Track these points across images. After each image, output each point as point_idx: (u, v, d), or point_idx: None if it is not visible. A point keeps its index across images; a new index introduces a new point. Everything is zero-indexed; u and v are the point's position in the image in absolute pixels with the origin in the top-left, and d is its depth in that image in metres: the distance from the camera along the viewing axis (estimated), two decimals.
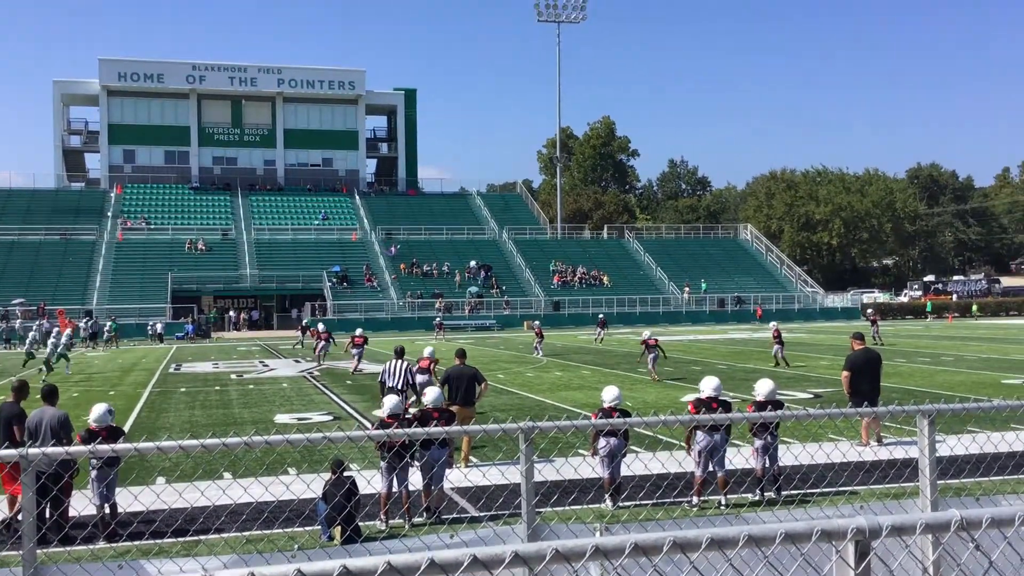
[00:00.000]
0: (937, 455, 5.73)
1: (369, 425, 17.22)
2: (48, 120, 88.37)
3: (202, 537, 9.42)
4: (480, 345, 43.70)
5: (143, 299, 62.56)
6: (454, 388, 13.67)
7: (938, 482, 6.29)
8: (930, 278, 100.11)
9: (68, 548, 8.96)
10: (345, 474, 9.91)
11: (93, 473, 9.91)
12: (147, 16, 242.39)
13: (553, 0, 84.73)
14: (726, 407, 11.13)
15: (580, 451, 13.22)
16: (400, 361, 15.66)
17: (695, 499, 10.81)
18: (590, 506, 10.68)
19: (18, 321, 53.47)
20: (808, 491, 11.01)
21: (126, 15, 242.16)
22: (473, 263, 72.44)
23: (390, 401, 11.01)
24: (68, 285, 63.93)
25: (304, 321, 46.43)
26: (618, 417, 10.82)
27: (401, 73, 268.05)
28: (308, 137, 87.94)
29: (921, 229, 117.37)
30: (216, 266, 69.11)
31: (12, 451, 4.55)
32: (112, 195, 79.03)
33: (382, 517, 10.19)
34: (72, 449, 4.72)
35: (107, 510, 9.93)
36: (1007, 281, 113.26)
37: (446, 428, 5.55)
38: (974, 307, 72.31)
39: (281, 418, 19.41)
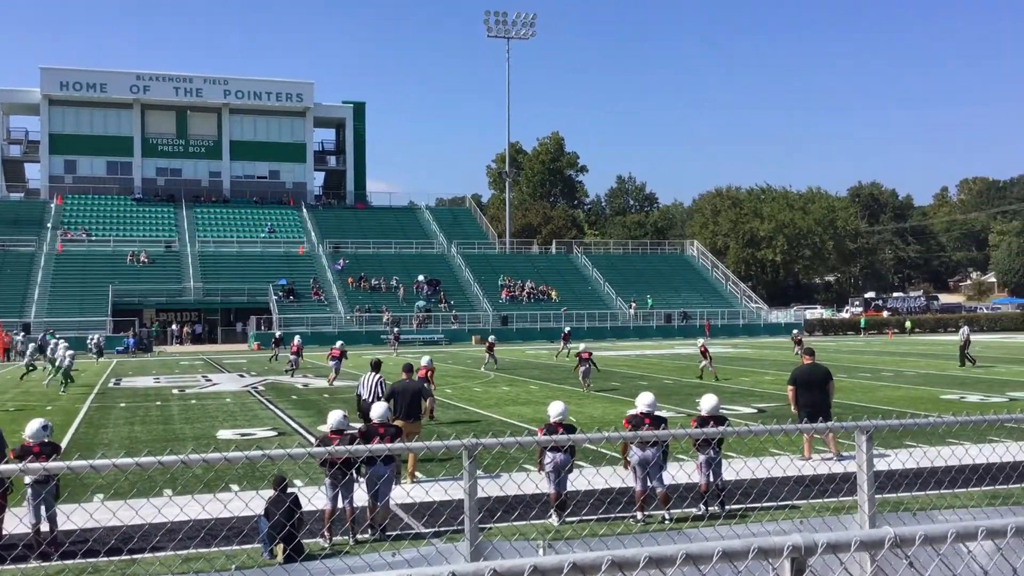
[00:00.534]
0: (876, 470, 5.81)
1: (313, 441, 17.04)
2: None
3: (137, 556, 9.22)
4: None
5: (83, 312, 61.30)
6: (399, 403, 13.58)
7: (877, 496, 6.37)
8: (871, 295, 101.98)
9: None
10: (288, 491, 9.78)
11: (28, 491, 9.66)
12: (90, 26, 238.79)
13: (502, 16, 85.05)
14: (659, 422, 11.21)
15: (526, 466, 13.20)
16: (375, 374, 15.60)
17: (639, 514, 10.84)
18: (535, 522, 10.65)
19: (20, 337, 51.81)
20: (750, 506, 11.10)
21: (69, 24, 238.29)
22: (421, 277, 72.21)
23: (333, 417, 10.89)
24: (5, 297, 62.41)
25: (278, 334, 45.58)
26: (563, 432, 10.83)
27: (350, 86, 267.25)
28: (255, 149, 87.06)
29: (862, 247, 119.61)
30: (159, 279, 68.00)
31: None
32: (52, 206, 77.47)
33: (325, 534, 10.07)
34: (1, 468, 4.58)
35: (46, 527, 9.68)
36: (945, 298, 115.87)
37: (388, 445, 5.50)
38: (907, 323, 73.69)
39: (224, 434, 19.11)
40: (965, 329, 36.23)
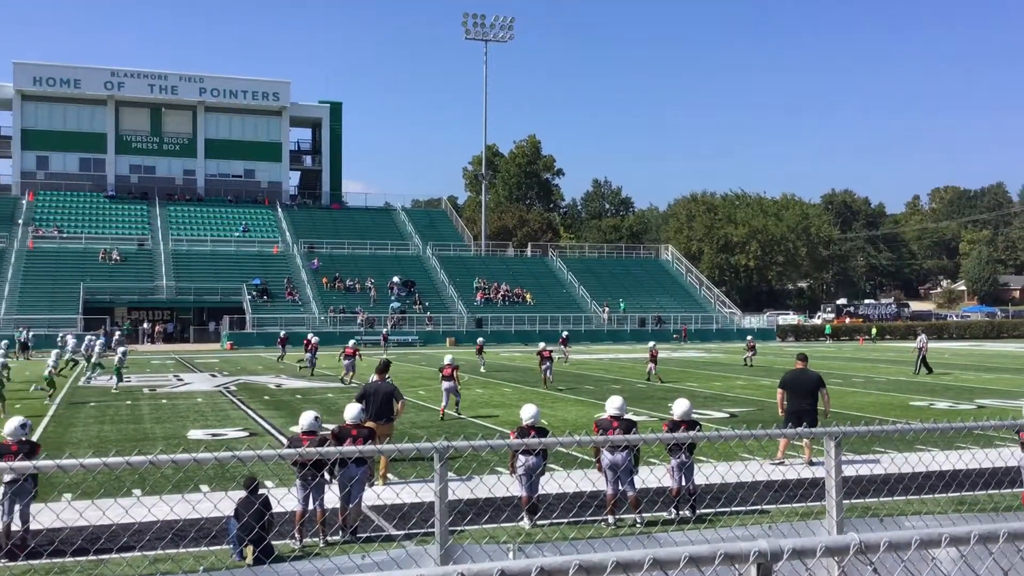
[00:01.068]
0: (845, 475, 5.89)
1: (285, 442, 16.96)
2: None
3: (105, 556, 9.14)
4: (402, 361, 43.44)
5: (54, 310, 60.67)
6: (371, 404, 13.54)
7: (846, 502, 6.44)
8: (842, 301, 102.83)
9: None
10: (258, 492, 9.73)
11: (1, 489, 9.57)
12: (65, 21, 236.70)
13: (481, 19, 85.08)
14: (627, 426, 11.25)
15: (498, 469, 13.20)
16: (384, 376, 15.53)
17: (610, 518, 10.87)
18: (507, 525, 10.66)
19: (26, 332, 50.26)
20: (720, 510, 11.16)
21: (43, 19, 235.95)
22: (396, 278, 72.05)
23: (305, 418, 10.85)
24: None
25: (282, 333, 44.85)
26: (536, 435, 10.85)
27: (327, 86, 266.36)
28: (230, 147, 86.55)
29: (835, 253, 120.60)
30: (131, 277, 67.40)
31: None
32: (24, 202, 76.63)
33: (296, 535, 10.03)
34: None
35: (17, 526, 9.58)
36: (916, 306, 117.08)
37: (360, 447, 5.49)
38: (873, 330, 74.28)
39: (195, 434, 18.98)
40: (923, 337, 36.65)
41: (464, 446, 5.34)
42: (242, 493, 9.74)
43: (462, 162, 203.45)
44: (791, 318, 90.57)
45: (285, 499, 10.38)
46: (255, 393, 28.01)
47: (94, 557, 9.07)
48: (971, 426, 6.10)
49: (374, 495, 11.71)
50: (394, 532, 10.44)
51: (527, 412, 11.23)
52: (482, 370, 36.65)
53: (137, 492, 12.15)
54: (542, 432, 11.22)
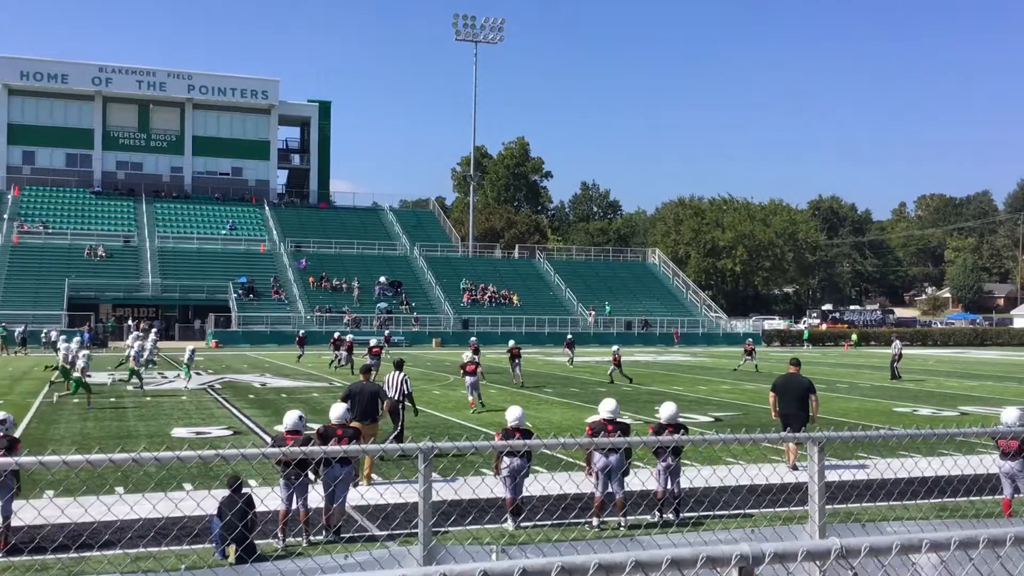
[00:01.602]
0: (829, 480, 5.88)
1: (269, 441, 16.92)
2: None
3: (86, 554, 9.09)
4: (388, 361, 43.31)
5: (38, 306, 60.31)
6: (356, 404, 13.53)
7: (829, 507, 6.45)
8: (828, 307, 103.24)
9: None
10: (241, 491, 9.69)
11: None
12: (53, 16, 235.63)
13: (471, 20, 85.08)
14: (622, 429, 11.26)
15: (483, 470, 13.20)
16: (399, 373, 15.92)
17: (595, 520, 10.88)
18: (491, 526, 10.65)
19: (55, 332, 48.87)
20: (704, 514, 11.18)
21: (31, 13, 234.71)
22: (383, 279, 71.96)
23: (290, 417, 10.83)
24: None
25: (301, 332, 44.98)
26: (521, 437, 10.86)
27: (316, 85, 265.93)
28: (218, 145, 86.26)
29: (821, 259, 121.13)
30: (116, 274, 67.10)
31: None
32: (9, 197, 76.17)
33: (279, 535, 10.00)
34: None
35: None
36: (901, 312, 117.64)
37: (344, 447, 5.48)
38: (854, 336, 74.52)
39: (179, 432, 18.90)
40: (897, 343, 36.93)
41: (449, 447, 5.34)
42: (225, 492, 9.71)
43: (450, 163, 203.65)
44: (777, 323, 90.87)
45: (268, 498, 10.35)
46: (240, 392, 27.92)
47: (75, 555, 9.02)
48: (953, 432, 6.13)
49: (358, 495, 11.69)
50: (377, 532, 10.42)
51: (512, 414, 11.24)
52: (514, 382, 31.32)
53: (120, 490, 12.09)
54: (527, 434, 11.23)
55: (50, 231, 72.32)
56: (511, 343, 32.11)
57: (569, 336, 45.80)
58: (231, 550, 9.18)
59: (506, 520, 10.79)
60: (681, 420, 12.16)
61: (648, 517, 11.20)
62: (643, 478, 10.93)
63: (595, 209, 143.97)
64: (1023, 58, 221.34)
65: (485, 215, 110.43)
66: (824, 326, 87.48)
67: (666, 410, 11.75)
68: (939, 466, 11.83)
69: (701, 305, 79.17)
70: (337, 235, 79.29)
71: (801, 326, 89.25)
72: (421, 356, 49.07)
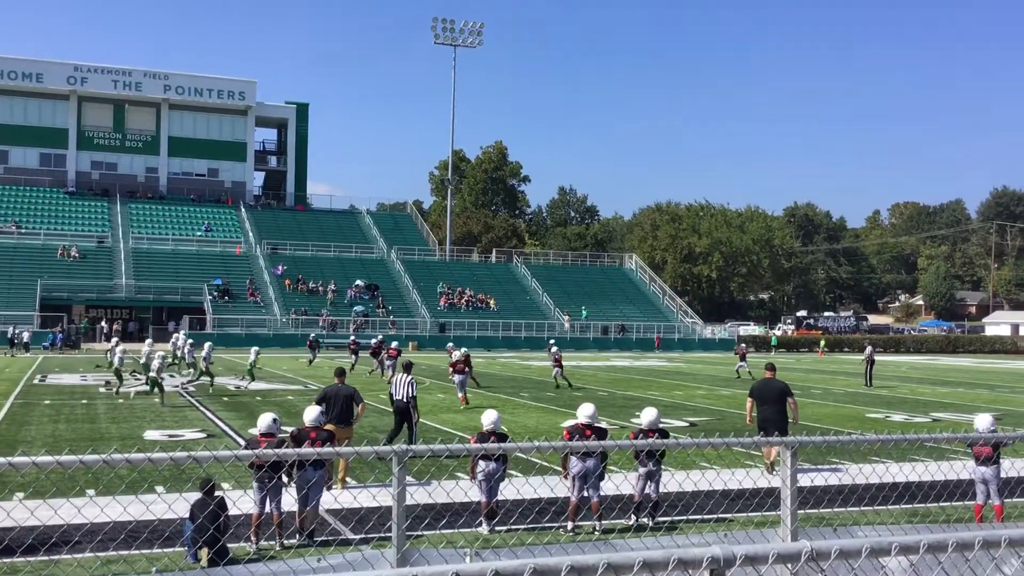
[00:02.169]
0: (802, 485, 5.93)
1: (242, 443, 16.82)
2: None
3: (56, 557, 9.00)
4: (365, 364, 43.17)
5: (9, 306, 59.66)
6: (331, 407, 13.47)
7: (801, 512, 6.51)
8: (802, 313, 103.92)
9: None
10: (214, 494, 9.63)
11: None
12: (27, 14, 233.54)
13: (450, 24, 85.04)
14: (600, 434, 11.28)
15: (458, 473, 13.18)
16: (406, 375, 16.43)
17: (570, 524, 10.89)
18: (465, 530, 10.64)
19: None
20: (679, 518, 11.21)
21: (4, 12, 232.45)
22: (359, 282, 71.73)
23: (264, 420, 10.77)
24: None
25: (312, 335, 43.95)
26: (496, 440, 10.86)
27: (294, 87, 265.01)
28: (194, 146, 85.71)
29: (796, 266, 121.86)
30: (90, 274, 66.49)
31: None
32: None
33: (252, 538, 9.95)
34: None
35: None
36: (874, 319, 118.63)
37: (318, 449, 5.46)
38: (822, 342, 75.03)
39: (151, 435, 18.76)
40: (869, 348, 37.28)
41: (423, 450, 5.33)
42: (198, 495, 9.64)
43: (428, 167, 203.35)
44: (752, 329, 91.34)
45: (241, 501, 10.28)
46: (213, 394, 27.73)
47: (45, 557, 8.92)
48: (923, 438, 6.19)
49: (332, 499, 11.64)
50: (351, 536, 10.38)
51: (488, 418, 11.24)
52: (558, 387, 31.81)
53: (91, 492, 11.98)
54: (503, 438, 11.23)
55: (23, 231, 71.60)
56: (462, 350, 28.03)
57: (554, 345, 43.87)
58: (203, 553, 9.12)
59: (481, 524, 10.78)
60: (662, 426, 12.19)
61: (623, 521, 11.22)
62: (617, 482, 10.95)
63: (572, 214, 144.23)
64: (996, 68, 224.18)
65: (463, 219, 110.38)
66: (795, 332, 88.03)
67: (647, 415, 11.76)
68: (910, 471, 11.93)
69: (677, 311, 79.46)
70: (314, 237, 78.98)
71: (779, 332, 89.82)
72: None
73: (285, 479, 10.48)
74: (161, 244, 73.42)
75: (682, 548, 2.86)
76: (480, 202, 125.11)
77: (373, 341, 38.74)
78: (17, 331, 52.27)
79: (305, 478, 10.15)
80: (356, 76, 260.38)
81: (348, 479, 13.38)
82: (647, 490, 11.14)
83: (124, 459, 4.52)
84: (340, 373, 14.64)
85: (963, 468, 11.21)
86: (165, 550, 9.53)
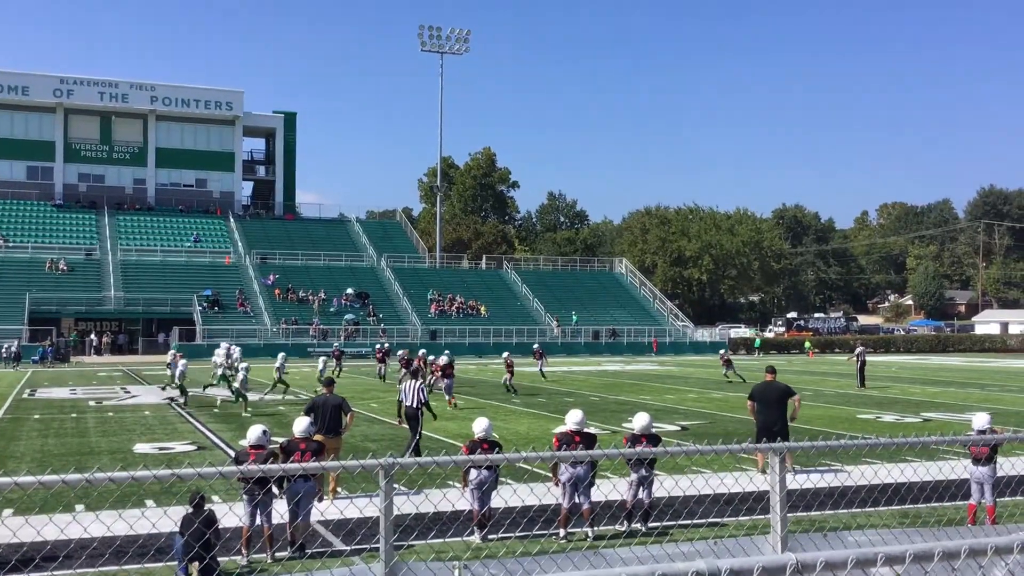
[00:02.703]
0: (792, 488, 5.95)
1: (232, 455, 16.74)
2: None
3: (39, 574, 8.93)
4: (355, 373, 43.11)
5: None
6: (319, 418, 13.42)
7: (793, 515, 6.50)
8: (793, 315, 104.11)
9: None
10: (204, 507, 9.58)
11: None
12: (12, 27, 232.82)
13: (437, 31, 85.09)
14: (589, 440, 11.26)
15: (449, 482, 13.14)
16: (415, 381, 16.89)
17: (562, 531, 10.86)
18: (456, 540, 10.59)
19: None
20: (671, 523, 11.19)
21: None
22: (350, 290, 71.60)
23: (253, 432, 10.72)
24: None
25: (403, 352, 38.77)
26: (488, 448, 10.84)
27: (281, 96, 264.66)
28: (181, 157, 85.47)
29: (786, 267, 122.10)
30: (78, 287, 66.21)
31: None
32: None
33: (243, 551, 9.89)
34: None
35: None
36: (864, 319, 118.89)
37: (303, 464, 5.42)
38: (807, 343, 75.07)
39: (141, 448, 18.67)
40: (860, 348, 37.31)
41: (410, 463, 5.30)
42: (188, 508, 9.58)
43: (417, 174, 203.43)
44: (743, 331, 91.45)
45: (231, 515, 10.22)
46: (203, 407, 27.62)
47: (38, 574, 8.85)
48: (911, 441, 6.18)
49: (326, 508, 11.59)
50: (342, 547, 10.33)
51: (479, 425, 11.21)
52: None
53: (80, 507, 11.91)
54: (494, 446, 11.20)
55: (10, 245, 71.29)
56: (442, 357, 29.26)
57: (536, 345, 44.54)
58: (193, 567, 9.06)
59: (472, 533, 10.74)
60: (654, 431, 12.18)
61: (616, 527, 11.20)
62: (606, 490, 10.93)
63: (562, 219, 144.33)
64: (983, 68, 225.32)
65: (452, 226, 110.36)
66: (786, 334, 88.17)
67: (639, 421, 11.75)
68: (900, 474, 11.93)
69: (668, 314, 79.51)
70: (303, 247, 78.83)
71: (769, 334, 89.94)
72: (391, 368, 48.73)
73: (276, 491, 10.44)
74: (150, 256, 73.17)
75: (665, 563, 2.84)
76: (469, 208, 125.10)
77: (415, 359, 32.99)
78: (7, 345, 52.04)
79: (295, 490, 10.10)
80: (343, 85, 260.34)
81: (339, 489, 13.33)
82: (640, 495, 11.13)
83: (107, 478, 4.48)
84: (328, 383, 14.59)
85: (952, 470, 11.23)
86: (156, 564, 9.46)
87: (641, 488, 11.10)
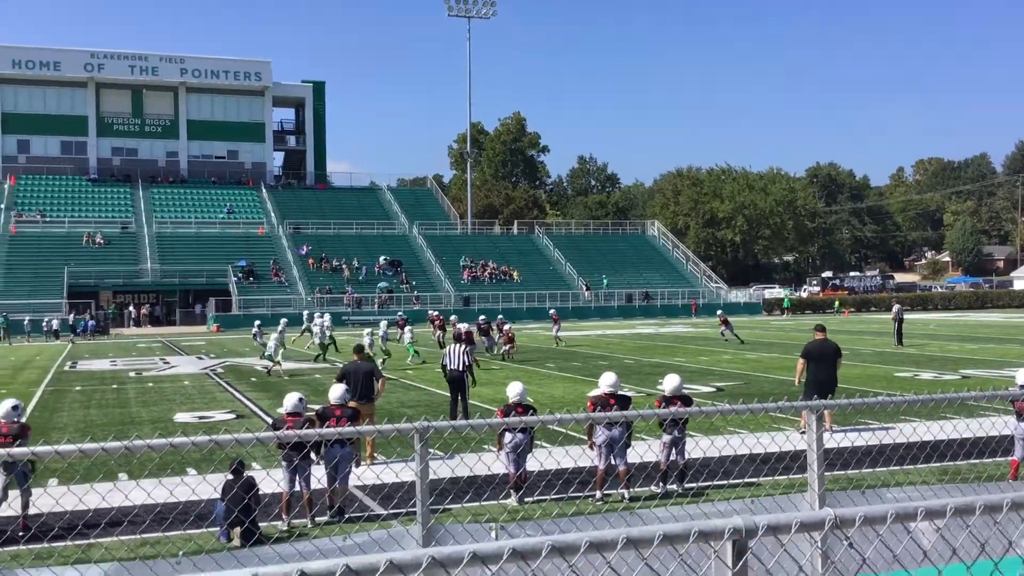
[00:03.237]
0: (829, 447, 5.89)
1: (270, 422, 16.93)
2: None
3: (82, 542, 9.09)
4: (390, 340, 43.27)
5: (38, 295, 60.31)
6: (352, 384, 13.50)
7: (830, 474, 6.46)
8: (828, 274, 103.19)
9: None
10: (244, 474, 9.72)
11: None
12: (43, 3, 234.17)
13: None
14: (623, 402, 11.25)
15: (484, 446, 13.21)
16: (459, 345, 17.05)
17: (598, 493, 10.89)
18: (492, 503, 10.65)
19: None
20: (706, 484, 11.18)
21: (20, 1, 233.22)
22: (383, 258, 71.87)
23: (290, 399, 10.82)
24: None
25: (435, 312, 41.02)
26: (522, 412, 10.86)
27: (310, 65, 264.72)
28: (212, 128, 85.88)
29: (820, 226, 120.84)
30: (115, 260, 67.05)
31: None
32: (5, 186, 75.93)
33: (283, 517, 10.02)
34: None
35: (9, 512, 9.66)
36: (901, 277, 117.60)
37: (339, 428, 5.46)
38: (837, 303, 74.26)
39: (182, 417, 18.93)
40: (897, 307, 36.94)
41: (445, 426, 5.33)
42: (229, 475, 9.72)
43: (447, 140, 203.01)
44: (777, 292, 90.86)
45: (269, 480, 10.36)
46: (242, 375, 27.94)
47: (76, 542, 9.02)
48: (950, 397, 6.11)
49: (364, 472, 11.70)
50: (380, 511, 10.43)
51: (513, 390, 11.22)
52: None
53: (123, 475, 12.13)
54: (529, 409, 11.22)
55: (47, 220, 72.20)
56: (481, 318, 32.32)
57: (552, 311, 43.44)
58: (235, 532, 9.21)
59: (508, 496, 10.80)
60: (685, 392, 12.14)
61: (652, 488, 11.21)
62: (641, 451, 10.93)
63: (593, 183, 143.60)
64: (1018, 21, 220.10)
65: (483, 192, 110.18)
66: (822, 294, 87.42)
67: (670, 382, 11.74)
68: (938, 431, 11.82)
69: (701, 276, 79.11)
70: (335, 216, 79.12)
71: (803, 294, 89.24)
72: (422, 335, 49.03)
73: (314, 457, 10.55)
74: (184, 228, 73.84)
75: (702, 521, 2.82)
76: (500, 174, 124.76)
77: (480, 319, 34.96)
78: (47, 319, 52.97)
79: (331, 455, 10.20)
80: (371, 52, 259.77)
81: (376, 455, 13.45)
82: (673, 456, 11.13)
83: (145, 445, 4.54)
84: (358, 350, 14.66)
85: (992, 426, 11.10)
86: (197, 531, 9.61)
87: (674, 450, 11.10)
